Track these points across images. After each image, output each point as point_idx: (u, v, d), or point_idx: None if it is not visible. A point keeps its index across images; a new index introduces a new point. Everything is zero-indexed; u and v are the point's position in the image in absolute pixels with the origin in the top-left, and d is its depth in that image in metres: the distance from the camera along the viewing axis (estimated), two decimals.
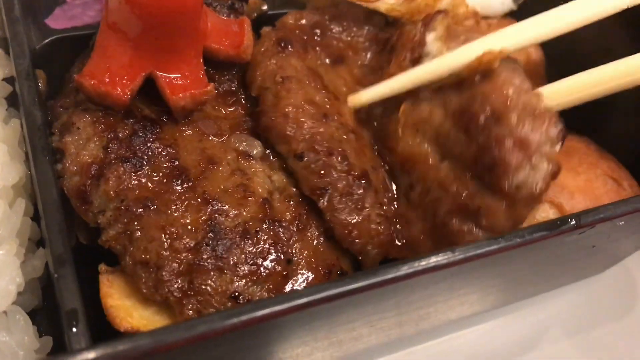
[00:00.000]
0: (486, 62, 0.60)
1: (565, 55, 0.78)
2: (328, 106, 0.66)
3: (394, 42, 0.71)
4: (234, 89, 0.68)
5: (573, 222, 0.57)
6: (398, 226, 0.65)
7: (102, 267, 0.59)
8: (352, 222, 0.61)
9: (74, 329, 0.49)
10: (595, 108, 0.89)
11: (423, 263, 0.52)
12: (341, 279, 0.50)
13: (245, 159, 0.63)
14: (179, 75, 0.61)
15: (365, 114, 0.70)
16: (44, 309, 0.64)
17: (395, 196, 0.67)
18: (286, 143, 0.63)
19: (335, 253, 0.62)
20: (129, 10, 0.57)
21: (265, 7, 0.78)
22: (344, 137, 0.65)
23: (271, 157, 0.65)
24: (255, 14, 0.76)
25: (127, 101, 0.59)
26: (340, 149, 0.63)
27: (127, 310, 0.57)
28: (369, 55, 0.75)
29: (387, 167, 0.68)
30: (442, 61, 0.64)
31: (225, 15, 0.71)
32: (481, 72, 0.60)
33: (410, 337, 0.76)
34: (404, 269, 0.51)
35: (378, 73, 0.72)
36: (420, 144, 0.65)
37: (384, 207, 0.64)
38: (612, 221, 0.60)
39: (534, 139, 0.57)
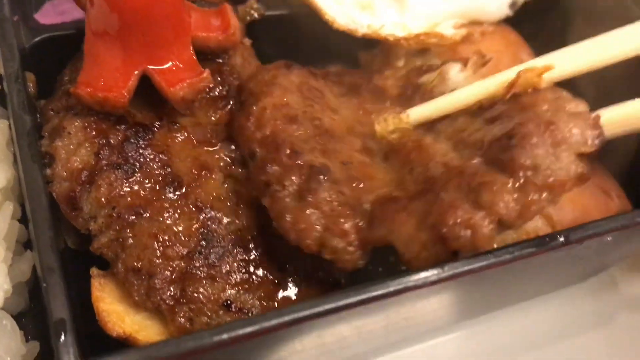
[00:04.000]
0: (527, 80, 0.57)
1: None
2: (305, 110, 0.62)
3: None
4: (224, 93, 0.67)
5: (562, 239, 0.58)
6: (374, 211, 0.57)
7: (94, 270, 0.59)
8: (296, 215, 0.54)
9: (62, 340, 0.49)
10: None
11: (413, 279, 0.52)
12: (330, 294, 0.50)
13: (238, 165, 0.63)
14: (173, 67, 0.60)
15: None
16: (30, 311, 0.63)
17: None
18: (246, 142, 0.60)
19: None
20: (109, 9, 0.57)
21: (256, 13, 0.77)
22: (312, 136, 0.60)
23: None
24: (248, 18, 0.75)
25: (126, 102, 0.58)
26: (293, 144, 0.57)
27: (119, 315, 0.57)
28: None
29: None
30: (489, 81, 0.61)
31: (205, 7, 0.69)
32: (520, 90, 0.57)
33: (397, 342, 0.77)
34: (393, 285, 0.51)
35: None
36: (434, 142, 0.61)
37: (351, 197, 0.57)
38: (600, 237, 0.60)
39: (565, 129, 0.52)
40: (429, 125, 0.63)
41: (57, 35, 0.69)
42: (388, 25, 0.75)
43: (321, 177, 0.55)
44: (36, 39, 0.68)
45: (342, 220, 0.54)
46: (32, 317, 0.63)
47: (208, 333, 0.46)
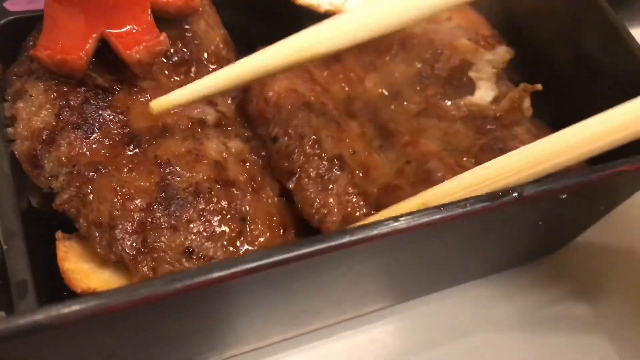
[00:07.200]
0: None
1: None
2: (312, 97, 0.69)
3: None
4: (186, 57, 0.69)
5: (515, 194, 0.59)
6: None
7: (59, 234, 0.60)
8: (320, 201, 0.62)
9: (24, 300, 0.49)
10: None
11: (374, 231, 0.53)
12: (289, 244, 0.51)
13: (199, 126, 0.64)
14: (131, 30, 0.62)
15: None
16: None
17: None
18: (264, 125, 0.66)
19: (290, 213, 0.64)
20: None
21: None
22: (324, 124, 0.67)
23: (228, 126, 0.66)
24: None
25: (84, 64, 0.60)
26: (313, 135, 0.65)
27: (84, 272, 0.57)
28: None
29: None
30: None
31: None
32: None
33: (368, 315, 0.77)
34: (347, 237, 0.52)
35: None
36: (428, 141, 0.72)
37: (361, 186, 0.65)
38: (555, 194, 0.61)
39: None
40: (423, 126, 0.74)
41: (25, 17, 0.70)
42: (350, 2, 0.77)
43: (339, 166, 0.64)
44: (2, 21, 0.69)
45: (356, 209, 0.63)
46: None
47: (162, 280, 0.46)
